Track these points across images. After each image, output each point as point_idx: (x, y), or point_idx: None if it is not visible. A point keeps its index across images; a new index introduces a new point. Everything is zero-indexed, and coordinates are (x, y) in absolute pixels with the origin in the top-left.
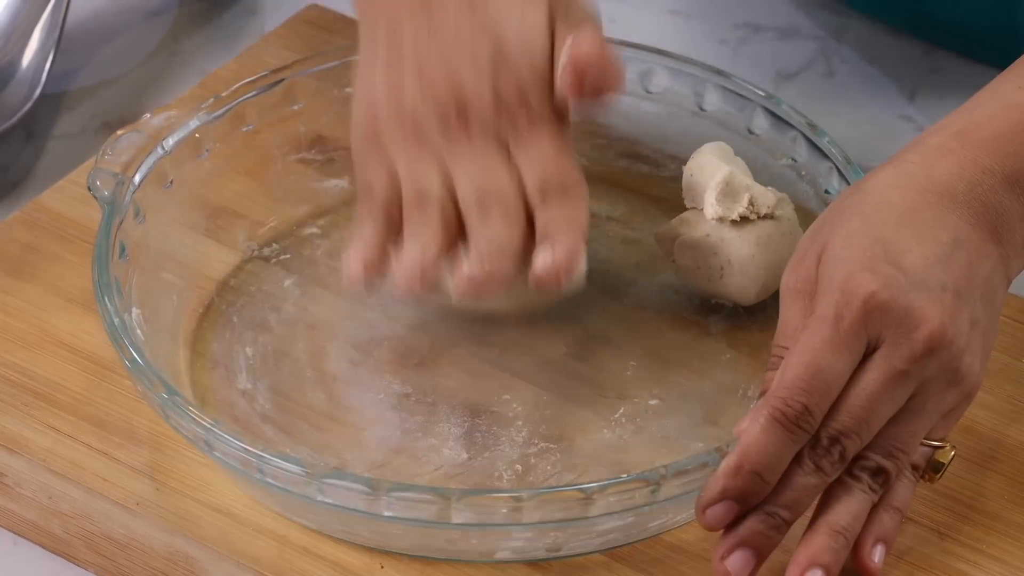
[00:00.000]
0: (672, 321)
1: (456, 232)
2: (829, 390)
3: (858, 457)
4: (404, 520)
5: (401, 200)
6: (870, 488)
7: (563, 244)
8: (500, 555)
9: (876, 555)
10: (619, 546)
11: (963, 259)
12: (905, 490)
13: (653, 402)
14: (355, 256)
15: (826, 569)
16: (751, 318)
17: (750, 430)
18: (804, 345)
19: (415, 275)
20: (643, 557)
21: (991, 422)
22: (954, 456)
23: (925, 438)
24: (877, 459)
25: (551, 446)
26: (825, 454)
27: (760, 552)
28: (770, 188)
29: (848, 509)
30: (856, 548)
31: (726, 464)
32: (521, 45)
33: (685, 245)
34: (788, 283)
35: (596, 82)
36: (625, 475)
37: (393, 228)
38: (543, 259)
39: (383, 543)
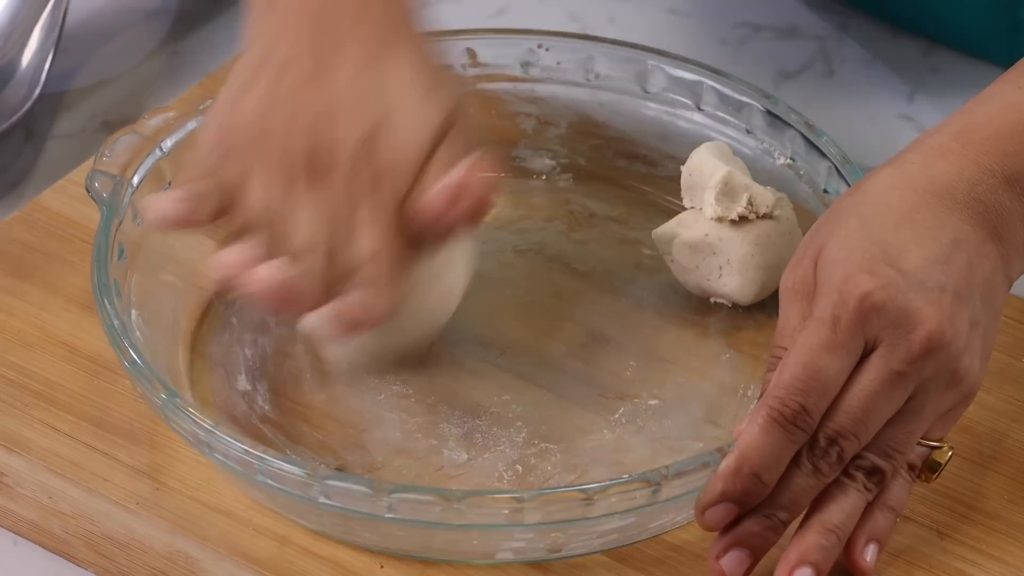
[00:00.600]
0: (672, 321)
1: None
2: (826, 390)
3: (854, 456)
4: (405, 521)
5: (214, 205)
6: (865, 487)
7: (357, 296)
8: (501, 556)
9: (868, 554)
10: (620, 546)
11: (962, 260)
12: (901, 490)
13: (653, 402)
14: (172, 196)
15: (815, 567)
16: (751, 318)
17: (748, 431)
18: (801, 346)
19: (260, 281)
20: (644, 557)
21: (991, 422)
22: (951, 456)
23: (923, 438)
24: (873, 459)
25: (551, 446)
26: (823, 455)
27: (755, 552)
28: (769, 188)
29: (841, 508)
30: (849, 546)
31: (725, 466)
32: (407, 129)
33: (684, 245)
34: (787, 284)
35: (455, 216)
36: (626, 475)
37: (218, 209)
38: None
39: (383, 544)
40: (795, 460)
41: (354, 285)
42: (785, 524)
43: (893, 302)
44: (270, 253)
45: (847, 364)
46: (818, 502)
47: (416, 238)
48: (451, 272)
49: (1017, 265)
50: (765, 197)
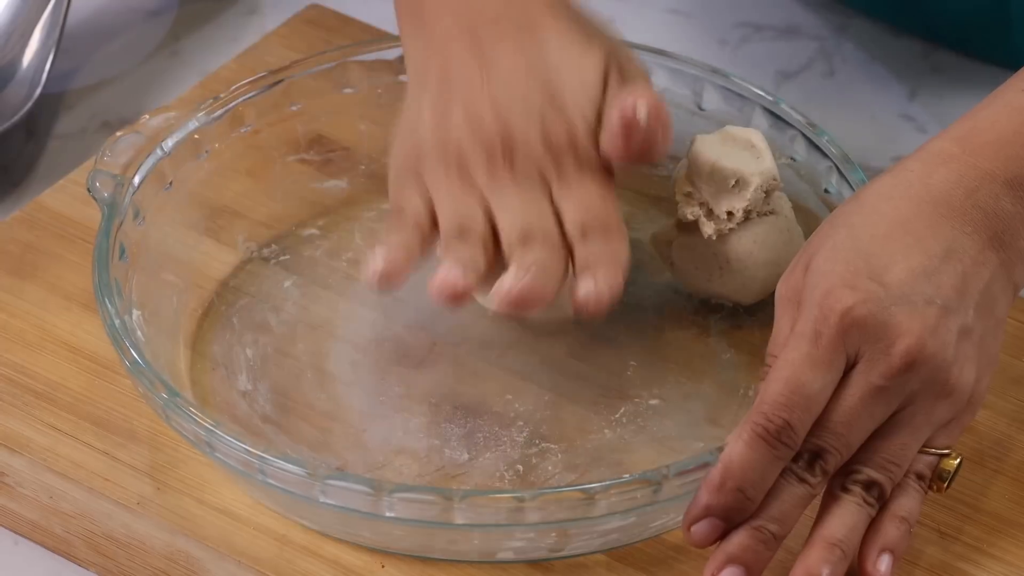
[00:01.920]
0: (672, 321)
1: (495, 263)
2: (810, 406)
3: (850, 471)
4: (406, 521)
5: (432, 223)
6: (865, 501)
7: (604, 275)
8: (502, 555)
9: (882, 564)
10: (621, 546)
11: (954, 270)
12: (911, 500)
13: (653, 402)
14: (379, 255)
15: None
16: (751, 318)
17: (733, 446)
18: (784, 361)
19: (455, 290)
20: (644, 557)
21: (993, 422)
22: (960, 464)
23: (927, 447)
24: (869, 472)
25: (552, 446)
26: (807, 468)
27: (750, 568)
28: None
29: (843, 522)
30: (861, 559)
31: (709, 480)
32: (573, 92)
33: (683, 246)
34: (780, 292)
35: (641, 147)
36: (627, 475)
37: (422, 242)
38: (585, 287)
39: (384, 543)
40: (781, 473)
41: (591, 243)
42: (776, 538)
43: (873, 317)
44: (484, 257)
45: (830, 379)
46: (819, 519)
47: (615, 179)
48: None
49: (1022, 270)
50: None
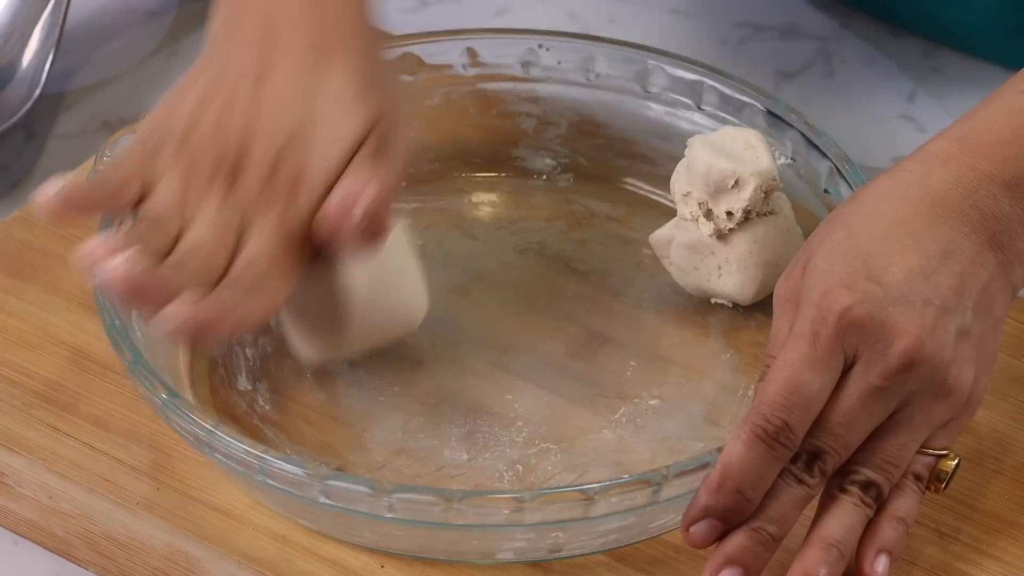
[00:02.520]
0: (672, 321)
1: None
2: (809, 406)
3: (848, 471)
4: (406, 521)
5: (131, 195)
6: (862, 501)
7: (201, 309)
8: (501, 555)
9: (880, 565)
10: (620, 546)
11: (952, 271)
12: (909, 501)
13: (653, 402)
14: (60, 184)
15: None
16: (751, 318)
17: (731, 447)
18: (783, 361)
19: (111, 270)
20: (644, 557)
21: (992, 422)
22: (959, 464)
23: (925, 447)
24: (867, 472)
25: (552, 446)
26: (805, 469)
27: (749, 569)
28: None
29: (840, 523)
30: (858, 560)
31: (708, 481)
32: (322, 138)
33: (682, 247)
34: (779, 292)
35: (349, 236)
36: (627, 476)
37: (107, 203)
38: (171, 309)
39: (384, 544)
40: (780, 474)
41: (220, 287)
42: (775, 539)
43: (871, 317)
44: (152, 249)
45: (828, 380)
46: (817, 519)
47: (319, 249)
48: (400, 293)
49: (1020, 271)
50: (748, 190)
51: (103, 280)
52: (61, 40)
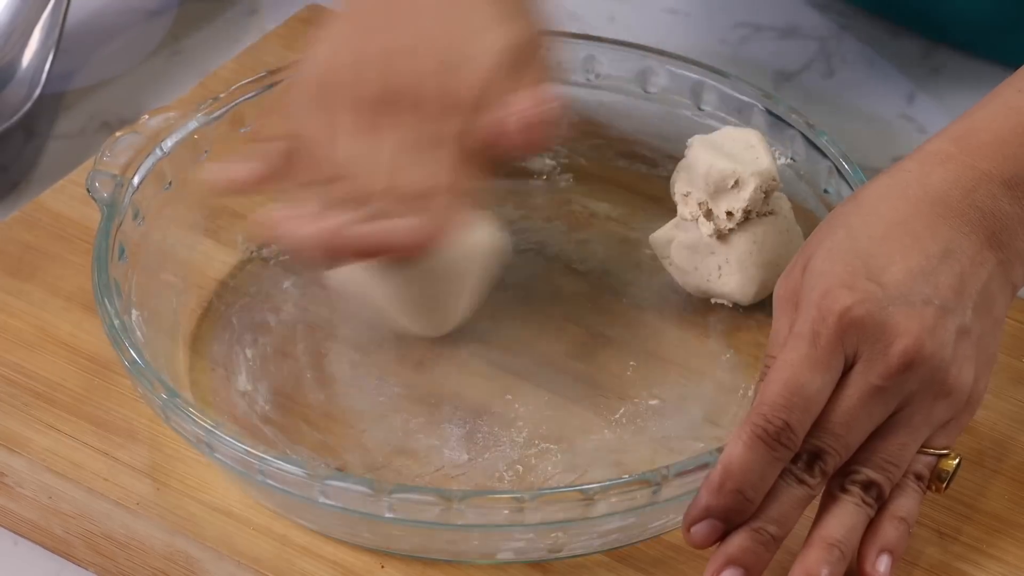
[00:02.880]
0: (672, 321)
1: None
2: (809, 406)
3: (849, 471)
4: (406, 521)
5: (312, 157)
6: (863, 501)
7: (400, 225)
8: (501, 556)
9: (881, 565)
10: (620, 546)
11: (952, 270)
12: (910, 500)
13: (653, 402)
14: (239, 168)
15: None
16: (751, 318)
17: (732, 447)
18: (783, 362)
19: (318, 236)
20: (644, 557)
21: (992, 422)
22: (959, 464)
23: (926, 447)
24: (867, 472)
25: (552, 446)
26: (806, 469)
27: (750, 570)
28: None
29: (841, 523)
30: (860, 560)
31: (708, 481)
32: (477, 60)
33: (682, 247)
34: (778, 292)
35: (521, 146)
36: (627, 476)
37: (280, 177)
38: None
39: (384, 544)
40: (780, 474)
41: (404, 213)
42: (776, 540)
43: (871, 317)
44: (333, 203)
45: (829, 380)
46: (818, 519)
47: (486, 164)
48: (477, 266)
49: (1020, 270)
50: (748, 189)
51: (301, 240)
52: (61, 40)
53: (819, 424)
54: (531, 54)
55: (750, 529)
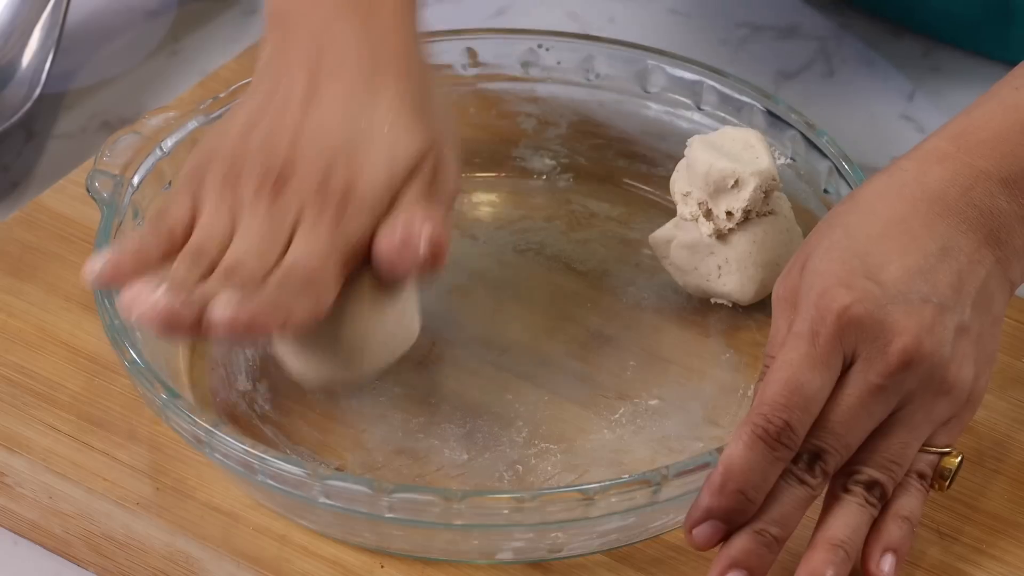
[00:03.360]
0: (672, 321)
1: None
2: (809, 406)
3: (851, 471)
4: (405, 521)
5: (185, 237)
6: (867, 501)
7: (248, 307)
8: (501, 555)
9: (886, 564)
10: (620, 546)
11: (950, 268)
12: (913, 499)
13: (653, 402)
14: (105, 256)
15: None
16: (750, 318)
17: (732, 447)
18: (782, 362)
19: (140, 307)
20: (644, 557)
21: (992, 422)
22: (961, 462)
23: (927, 446)
24: (870, 472)
25: (551, 446)
26: (807, 469)
27: (753, 572)
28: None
29: (845, 523)
30: (864, 559)
31: (709, 483)
32: (375, 162)
33: (682, 247)
34: (777, 292)
35: (403, 269)
36: (626, 476)
37: (163, 254)
38: (217, 304)
39: (384, 543)
40: (782, 475)
41: (268, 284)
42: (779, 541)
43: (870, 316)
44: (194, 277)
45: (828, 379)
46: (821, 520)
47: (359, 271)
48: (402, 315)
49: (1018, 267)
50: (747, 189)
51: (143, 319)
52: (61, 40)
53: (819, 424)
54: (437, 166)
55: (752, 531)
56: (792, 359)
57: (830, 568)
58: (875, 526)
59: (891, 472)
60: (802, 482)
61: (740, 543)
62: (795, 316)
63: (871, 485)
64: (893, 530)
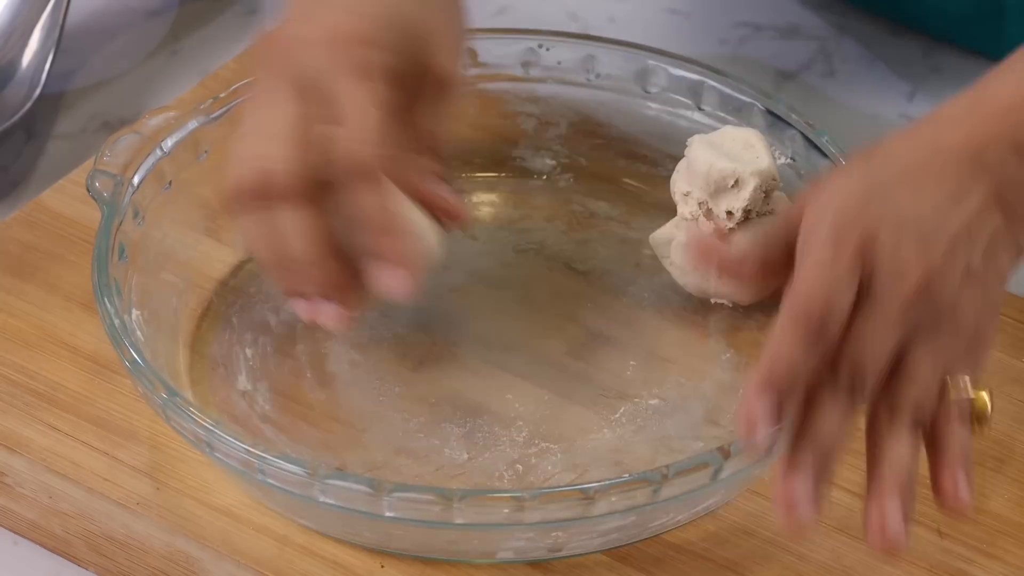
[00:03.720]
0: (672, 321)
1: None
2: (840, 305)
3: (887, 400)
4: (406, 521)
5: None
6: (912, 428)
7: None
8: (501, 555)
9: (961, 483)
10: (620, 546)
11: (960, 217)
12: (961, 433)
13: (653, 402)
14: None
15: (904, 514)
16: (750, 318)
17: (774, 342)
18: (805, 272)
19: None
20: (644, 557)
21: (993, 422)
22: (992, 400)
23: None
24: (907, 395)
25: (551, 446)
26: (846, 384)
27: (819, 481)
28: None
29: (899, 455)
30: (937, 480)
31: (757, 382)
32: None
33: (682, 247)
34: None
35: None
36: (627, 475)
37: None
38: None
39: (384, 543)
40: (819, 390)
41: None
42: (831, 457)
43: (886, 245)
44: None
45: (850, 291)
46: (872, 457)
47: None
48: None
49: (1018, 228)
50: (747, 189)
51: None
52: (61, 40)
53: (846, 343)
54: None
55: (805, 447)
56: (814, 272)
57: (895, 502)
58: (936, 451)
59: (927, 399)
60: (841, 394)
61: (800, 456)
62: (813, 243)
63: (912, 411)
64: (957, 461)
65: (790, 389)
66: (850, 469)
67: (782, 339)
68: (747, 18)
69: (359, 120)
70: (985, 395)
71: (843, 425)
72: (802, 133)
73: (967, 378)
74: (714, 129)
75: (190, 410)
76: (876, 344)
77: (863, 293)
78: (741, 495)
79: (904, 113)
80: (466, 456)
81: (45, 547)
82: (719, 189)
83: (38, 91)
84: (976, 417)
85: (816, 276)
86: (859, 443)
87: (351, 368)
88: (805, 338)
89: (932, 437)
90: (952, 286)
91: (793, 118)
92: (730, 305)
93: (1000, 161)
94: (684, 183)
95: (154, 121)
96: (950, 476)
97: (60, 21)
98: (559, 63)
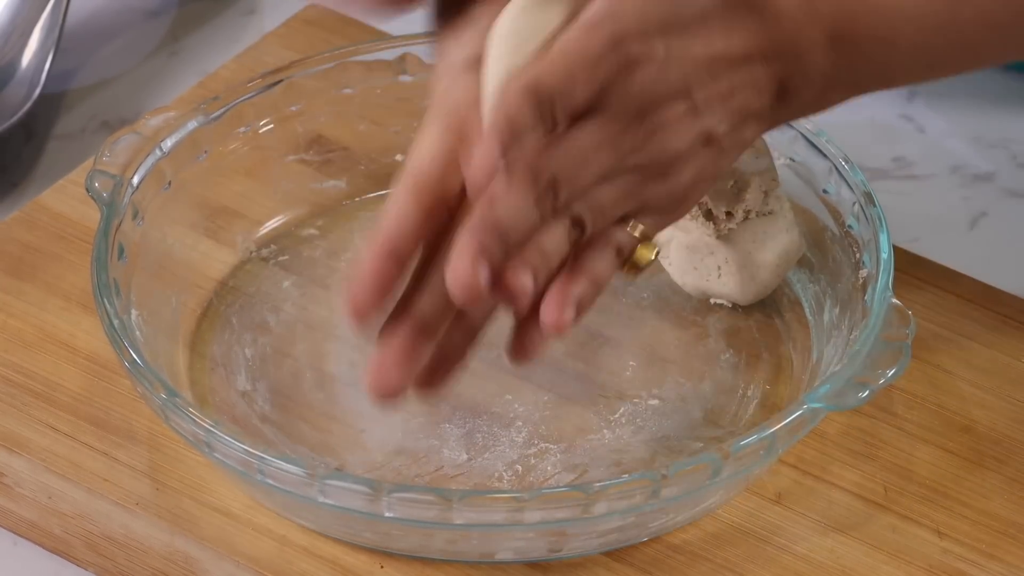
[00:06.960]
0: (672, 321)
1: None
2: (573, 93)
3: (567, 201)
4: (405, 521)
5: None
6: (569, 232)
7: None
8: (501, 555)
9: (567, 313)
10: (620, 546)
11: (732, 80)
12: (605, 265)
13: (653, 402)
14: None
15: (534, 273)
16: (751, 318)
17: (507, 86)
18: (565, 40)
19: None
20: (643, 557)
21: (992, 422)
22: (658, 255)
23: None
24: (580, 207)
25: (551, 446)
26: (535, 189)
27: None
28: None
29: (550, 239)
30: (545, 303)
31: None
32: None
33: (681, 247)
34: None
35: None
36: (626, 475)
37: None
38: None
39: (383, 543)
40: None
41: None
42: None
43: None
44: None
45: (587, 85)
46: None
47: None
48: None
49: (786, 118)
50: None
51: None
52: (61, 40)
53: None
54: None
55: (484, 228)
56: (572, 41)
57: (527, 271)
58: (563, 278)
59: (596, 217)
60: (532, 196)
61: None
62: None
63: (583, 211)
64: (581, 284)
65: (509, 144)
66: (850, 469)
67: (512, 90)
68: None
69: None
70: (652, 251)
71: (521, 226)
72: (802, 133)
73: (645, 225)
74: None
75: (189, 410)
76: (586, 154)
77: (593, 104)
78: (741, 495)
79: (904, 113)
80: (465, 457)
81: (44, 547)
82: (719, 190)
83: (38, 91)
84: (632, 264)
85: (565, 53)
86: (858, 444)
87: (351, 368)
88: (537, 107)
89: (576, 254)
90: (684, 139)
91: None
92: (729, 305)
93: (811, 43)
94: None
95: (154, 121)
96: (562, 290)
97: (60, 21)
98: None
